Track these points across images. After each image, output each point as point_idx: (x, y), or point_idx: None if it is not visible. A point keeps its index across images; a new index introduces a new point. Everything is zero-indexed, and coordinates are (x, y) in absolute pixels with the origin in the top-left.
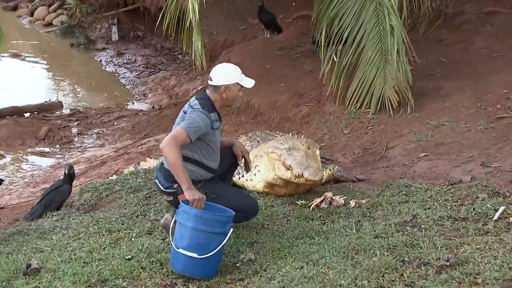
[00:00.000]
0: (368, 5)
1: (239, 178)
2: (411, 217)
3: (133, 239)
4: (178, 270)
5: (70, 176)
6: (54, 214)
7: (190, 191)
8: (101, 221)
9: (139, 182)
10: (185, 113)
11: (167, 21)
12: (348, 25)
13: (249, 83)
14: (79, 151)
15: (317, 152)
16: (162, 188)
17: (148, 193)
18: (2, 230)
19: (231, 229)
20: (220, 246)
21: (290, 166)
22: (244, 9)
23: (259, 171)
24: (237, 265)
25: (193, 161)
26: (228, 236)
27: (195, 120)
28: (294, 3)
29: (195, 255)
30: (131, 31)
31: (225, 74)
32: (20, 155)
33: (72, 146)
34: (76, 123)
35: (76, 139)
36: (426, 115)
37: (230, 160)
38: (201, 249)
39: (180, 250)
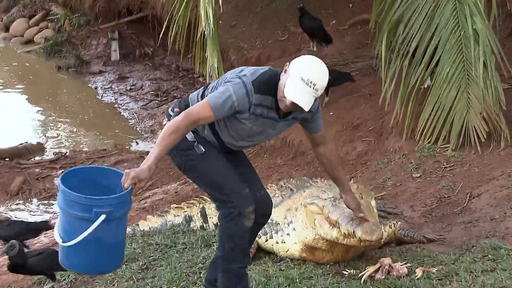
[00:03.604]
0: (444, 4)
1: (267, 240)
2: None
3: None
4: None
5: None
6: None
7: (142, 166)
8: None
9: (134, 249)
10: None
11: (174, 31)
12: (418, 31)
13: (289, 93)
14: None
15: (373, 202)
16: None
17: (145, 264)
18: None
19: (103, 216)
20: (83, 235)
21: (336, 222)
22: (284, 15)
23: (294, 229)
24: None
25: None
26: (96, 224)
27: (226, 90)
28: (351, 4)
29: (60, 241)
30: (136, 48)
31: (297, 59)
32: None
33: (54, 202)
34: (60, 171)
35: None
36: None
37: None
38: (68, 235)
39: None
